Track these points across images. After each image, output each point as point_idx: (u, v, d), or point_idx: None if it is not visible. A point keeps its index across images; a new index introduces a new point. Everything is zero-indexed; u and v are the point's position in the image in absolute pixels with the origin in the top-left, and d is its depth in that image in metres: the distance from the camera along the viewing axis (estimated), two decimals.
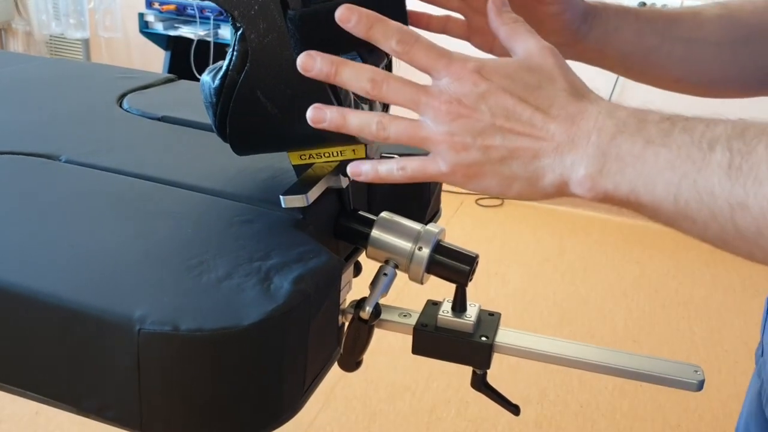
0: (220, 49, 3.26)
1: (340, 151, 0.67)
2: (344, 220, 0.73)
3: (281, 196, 0.66)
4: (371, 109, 0.70)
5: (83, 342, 0.54)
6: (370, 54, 0.63)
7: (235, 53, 0.63)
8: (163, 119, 0.95)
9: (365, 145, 0.66)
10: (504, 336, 0.69)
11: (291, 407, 0.59)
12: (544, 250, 2.94)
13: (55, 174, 0.76)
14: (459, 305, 0.70)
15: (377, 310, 0.70)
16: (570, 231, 3.10)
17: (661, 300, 2.64)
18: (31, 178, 0.75)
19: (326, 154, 0.67)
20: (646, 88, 0.80)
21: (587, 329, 2.43)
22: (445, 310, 0.71)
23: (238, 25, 0.59)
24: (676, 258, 2.90)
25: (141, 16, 3.39)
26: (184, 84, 1.14)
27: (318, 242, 0.66)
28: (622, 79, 2.96)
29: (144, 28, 3.41)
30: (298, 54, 0.56)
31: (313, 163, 0.68)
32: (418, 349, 0.71)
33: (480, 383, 0.72)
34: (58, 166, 0.78)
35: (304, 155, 0.68)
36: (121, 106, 1.00)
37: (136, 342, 0.52)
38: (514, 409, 0.75)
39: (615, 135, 0.48)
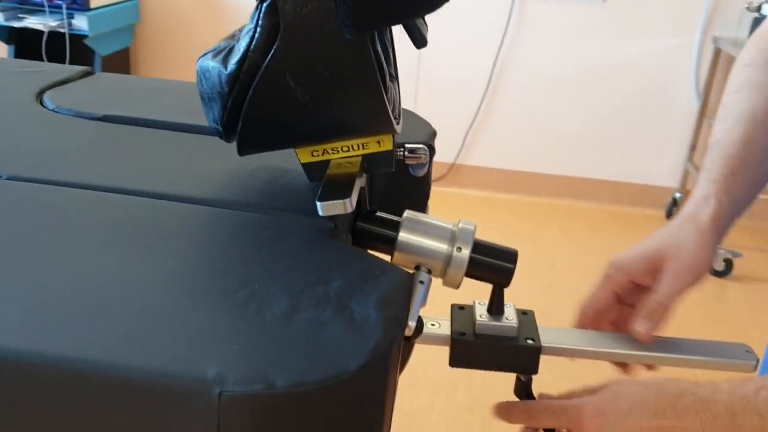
0: (77, 41, 2.96)
1: (363, 144, 0.57)
2: (364, 222, 0.63)
3: (318, 203, 0.54)
4: (396, 85, 0.61)
5: (131, 419, 0.41)
6: (415, 24, 0.54)
7: (259, 30, 0.51)
8: (105, 119, 0.79)
9: (392, 135, 0.57)
10: (547, 336, 0.62)
11: None
12: None
13: (4, 196, 0.60)
14: (496, 307, 0.62)
15: (420, 324, 0.60)
16: (461, 212, 3.11)
17: (559, 271, 2.70)
18: None
19: (344, 149, 0.57)
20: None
21: None
22: (481, 314, 0.63)
23: None
24: (565, 230, 2.98)
25: None
26: (106, 77, 0.97)
27: (365, 252, 0.56)
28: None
29: None
30: (347, 24, 0.46)
31: (327, 160, 0.58)
32: (458, 360, 0.62)
33: (524, 390, 0.65)
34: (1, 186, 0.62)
35: (317, 151, 0.57)
36: (43, 105, 0.83)
37: (215, 409, 0.40)
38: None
39: (735, 417, 0.56)
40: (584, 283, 2.55)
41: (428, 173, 0.86)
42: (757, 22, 2.68)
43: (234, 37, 0.60)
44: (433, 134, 0.87)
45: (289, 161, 0.68)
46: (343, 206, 0.54)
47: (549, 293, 2.51)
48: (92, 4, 2.97)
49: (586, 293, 0.74)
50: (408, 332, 0.57)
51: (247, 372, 0.40)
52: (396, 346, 0.46)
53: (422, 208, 0.82)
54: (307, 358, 0.42)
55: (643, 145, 3.13)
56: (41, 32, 2.97)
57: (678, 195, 3.06)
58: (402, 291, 0.51)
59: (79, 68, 0.97)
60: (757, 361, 0.67)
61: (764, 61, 0.76)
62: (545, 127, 3.16)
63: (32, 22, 3.03)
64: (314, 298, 0.48)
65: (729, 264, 2.67)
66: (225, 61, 0.54)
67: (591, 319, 0.71)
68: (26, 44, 3.17)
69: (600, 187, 3.19)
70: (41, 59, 2.98)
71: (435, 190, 3.29)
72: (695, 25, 2.94)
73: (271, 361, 0.42)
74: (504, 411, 0.65)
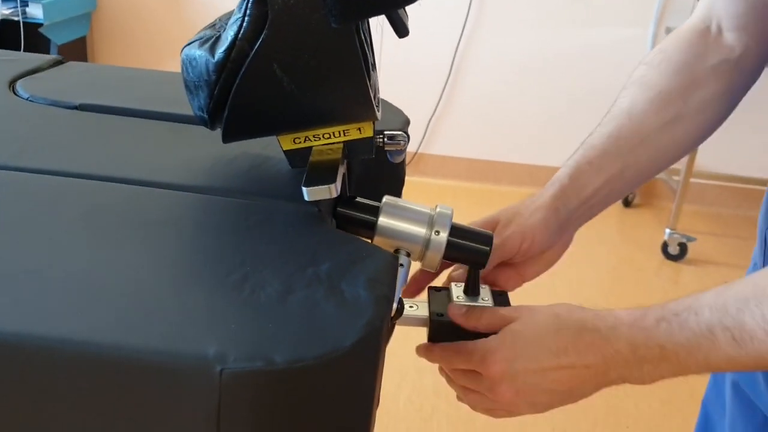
0: (32, 30, 2.90)
1: (344, 131, 0.59)
2: (345, 207, 0.64)
3: (304, 188, 0.56)
4: (375, 74, 0.63)
5: (135, 397, 0.42)
6: (398, 14, 0.56)
7: (247, 19, 0.52)
8: (82, 107, 0.79)
9: (373, 122, 0.59)
10: None
11: (374, 425, 0.51)
12: None
13: None
14: (472, 288, 0.65)
15: (401, 305, 0.62)
16: (425, 200, 3.14)
17: None
18: None
19: (326, 135, 0.59)
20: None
21: None
22: (458, 295, 0.65)
23: None
24: None
25: None
26: (78, 66, 0.97)
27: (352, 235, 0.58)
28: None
29: None
30: (334, 14, 0.47)
31: (309, 147, 0.59)
32: (436, 340, 0.66)
33: None
34: None
35: (299, 138, 0.59)
36: (16, 94, 0.83)
37: (217, 386, 0.41)
38: None
39: (636, 350, 0.58)
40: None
41: (403, 160, 0.88)
42: None
43: (215, 26, 0.61)
44: (407, 122, 0.89)
45: (269, 148, 0.70)
46: (328, 191, 0.56)
47: None
48: None
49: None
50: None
51: (246, 350, 0.42)
52: (386, 323, 0.48)
53: (398, 193, 0.84)
54: (303, 336, 0.44)
55: None
56: None
57: None
58: (388, 272, 0.53)
59: (49, 57, 0.96)
60: None
61: (659, 60, 0.78)
62: (506, 116, 3.21)
63: None
64: (306, 280, 0.50)
65: (683, 248, 2.75)
66: (212, 50, 0.55)
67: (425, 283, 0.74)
68: None
69: None
70: None
71: None
72: (650, 16, 3.01)
73: (269, 339, 0.43)
74: (425, 351, 0.67)
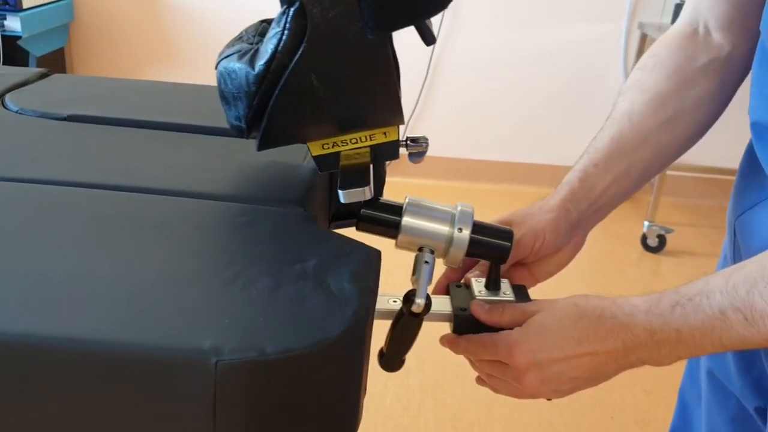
0: (11, 42, 2.91)
1: (370, 136, 0.61)
2: (369, 208, 0.66)
3: (340, 191, 0.59)
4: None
5: (135, 392, 0.45)
6: (425, 23, 0.59)
7: (286, 32, 0.54)
8: (71, 118, 0.81)
9: (398, 126, 0.61)
10: None
11: (361, 413, 0.54)
12: None
13: None
14: (493, 283, 0.68)
15: (429, 301, 0.63)
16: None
17: None
18: None
19: (353, 141, 0.61)
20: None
21: None
22: (480, 290, 0.68)
23: None
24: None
25: None
26: (64, 78, 0.99)
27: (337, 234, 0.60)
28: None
29: None
30: (371, 26, 0.51)
31: (336, 152, 0.62)
32: (460, 335, 0.67)
33: None
34: None
35: (327, 144, 0.61)
36: (5, 107, 0.85)
37: (212, 378, 0.44)
38: None
39: (653, 334, 0.60)
40: None
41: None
42: (678, 9, 2.81)
43: (242, 38, 0.64)
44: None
45: (254, 154, 0.72)
46: (363, 193, 0.59)
47: None
48: (24, 5, 2.91)
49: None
50: (417, 309, 0.62)
51: (239, 342, 0.45)
52: (370, 314, 0.51)
53: (380, 186, 0.87)
54: (293, 327, 0.47)
55: (577, 128, 3.25)
56: None
57: None
58: (372, 266, 0.56)
59: (36, 70, 0.99)
60: None
61: (653, 65, 0.82)
62: (484, 114, 3.25)
63: None
64: (294, 275, 0.53)
65: (662, 240, 2.80)
66: (252, 62, 0.57)
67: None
68: None
69: (538, 171, 3.30)
70: None
71: None
72: (622, 13, 3.06)
73: (260, 331, 0.46)
74: (450, 342, 0.69)
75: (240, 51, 0.59)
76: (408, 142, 0.67)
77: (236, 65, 0.58)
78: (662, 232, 2.80)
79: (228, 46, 0.63)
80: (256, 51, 0.57)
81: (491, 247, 0.66)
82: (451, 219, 0.65)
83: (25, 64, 3.02)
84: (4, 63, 2.96)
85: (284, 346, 0.45)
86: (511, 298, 0.67)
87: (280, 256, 0.55)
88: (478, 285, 0.68)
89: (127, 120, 0.80)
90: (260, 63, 0.56)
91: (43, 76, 0.97)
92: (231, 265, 0.53)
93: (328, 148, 0.61)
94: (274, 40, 0.54)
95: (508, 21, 3.12)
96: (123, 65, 3.32)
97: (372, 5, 0.52)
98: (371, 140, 0.61)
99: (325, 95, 0.56)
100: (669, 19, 2.96)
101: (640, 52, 3.02)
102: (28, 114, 0.82)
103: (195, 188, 0.65)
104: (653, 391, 2.08)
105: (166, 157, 0.72)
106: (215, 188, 0.66)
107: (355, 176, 0.59)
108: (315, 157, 0.62)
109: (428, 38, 0.58)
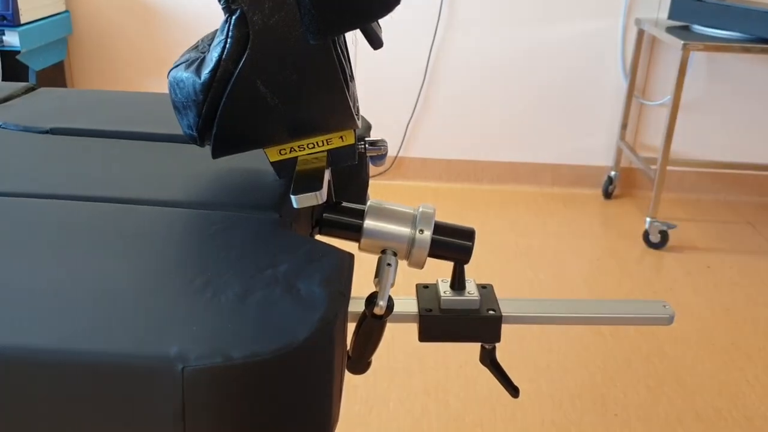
0: (10, 57, 2.93)
1: (327, 140, 0.62)
2: (331, 212, 0.67)
3: (292, 196, 0.59)
4: (354, 84, 0.66)
5: (108, 399, 0.45)
6: (371, 27, 0.59)
7: (229, 40, 0.55)
8: (52, 131, 0.82)
9: (354, 130, 0.62)
10: (507, 306, 0.68)
11: (337, 415, 0.54)
12: None
13: None
14: (458, 283, 0.68)
15: (391, 303, 0.64)
16: (407, 203, 3.17)
17: (505, 254, 2.78)
18: None
19: (310, 145, 0.62)
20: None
21: None
22: (445, 291, 0.68)
23: (234, 6, 0.52)
24: (508, 215, 3.07)
25: None
26: (49, 92, 1.00)
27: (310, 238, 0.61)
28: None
29: None
30: (312, 31, 0.51)
31: (294, 158, 0.62)
32: (426, 335, 0.68)
33: (489, 358, 0.71)
34: None
35: (284, 150, 0.62)
36: None
37: (180, 384, 0.44)
38: (514, 392, 0.74)
39: None
40: (529, 264, 2.65)
41: (366, 162, 0.91)
42: (674, 4, 2.80)
43: (198, 47, 0.64)
44: (369, 127, 0.93)
45: (231, 161, 0.73)
46: (316, 198, 0.59)
47: (498, 276, 2.60)
48: (22, 20, 2.94)
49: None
50: (379, 311, 0.62)
51: (206, 348, 0.45)
52: (341, 317, 0.52)
53: (363, 191, 0.87)
54: (260, 333, 0.47)
55: (577, 126, 3.25)
56: None
57: (613, 173, 3.18)
58: (343, 270, 0.56)
59: (21, 84, 0.99)
60: (672, 315, 0.74)
61: None
62: (483, 115, 3.25)
63: None
64: (264, 281, 0.53)
65: (665, 236, 2.79)
66: (198, 71, 0.58)
67: None
68: None
69: (539, 171, 3.30)
70: None
71: (380, 183, 3.34)
72: (618, 8, 3.06)
73: (227, 337, 0.46)
74: None
75: (188, 60, 0.59)
76: (366, 145, 0.67)
77: (183, 74, 0.58)
78: (664, 228, 2.79)
79: (182, 55, 0.63)
80: (203, 59, 0.57)
81: (454, 247, 0.66)
82: (412, 220, 0.65)
83: (25, 78, 3.05)
84: (4, 78, 2.98)
85: (250, 352, 0.45)
86: (476, 298, 0.67)
87: (252, 262, 0.56)
88: (443, 285, 0.69)
89: (108, 131, 0.81)
90: (206, 71, 0.56)
91: (29, 90, 0.98)
92: (202, 273, 0.54)
93: (285, 153, 0.62)
94: (219, 48, 0.55)
95: (505, 18, 3.12)
96: (122, 77, 3.34)
97: (311, 11, 0.52)
98: (328, 144, 0.62)
99: (272, 101, 0.56)
100: (665, 14, 2.96)
101: (638, 47, 3.02)
102: (11, 128, 0.83)
103: (171, 197, 0.66)
104: (656, 387, 2.07)
105: (143, 167, 0.73)
106: (191, 196, 0.67)
107: (308, 181, 0.60)
108: (273, 163, 0.62)
109: (375, 42, 0.58)
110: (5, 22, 2.92)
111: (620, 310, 0.73)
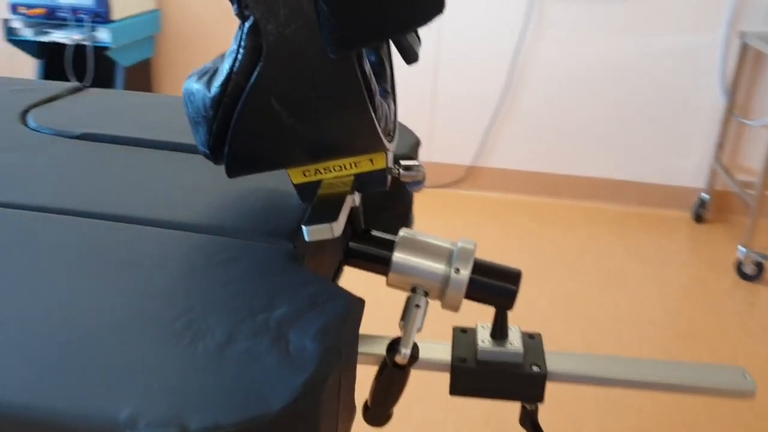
0: (99, 53, 3.00)
1: (355, 163, 0.55)
2: (358, 242, 0.60)
3: (304, 227, 0.52)
4: (391, 101, 0.59)
5: None
6: (405, 39, 0.52)
7: (241, 51, 0.49)
8: (82, 137, 0.78)
9: (385, 153, 0.54)
10: (555, 361, 0.59)
11: None
12: (455, 235, 2.89)
13: None
14: (500, 331, 0.59)
15: (415, 351, 0.57)
16: (480, 215, 3.07)
17: (582, 277, 2.64)
18: None
19: (337, 168, 0.55)
20: None
21: (514, 314, 2.39)
22: (483, 339, 0.60)
23: (247, 13, 0.46)
24: (589, 233, 2.92)
25: (5, 22, 3.07)
26: (94, 93, 0.97)
27: (322, 276, 0.54)
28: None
29: (10, 35, 3.10)
30: (331, 44, 0.44)
31: (319, 180, 0.56)
32: (459, 389, 0.59)
33: (530, 420, 0.62)
34: None
35: (309, 171, 0.55)
36: (26, 124, 0.83)
37: None
38: None
39: None
40: (607, 289, 2.50)
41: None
42: None
43: (224, 55, 0.59)
44: (417, 144, 0.85)
45: (255, 179, 0.67)
46: (330, 231, 0.52)
47: (572, 300, 2.46)
48: (114, 17, 3.01)
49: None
50: (401, 360, 0.55)
51: (161, 413, 0.39)
52: (333, 377, 0.44)
53: (405, 223, 0.80)
54: (228, 398, 0.40)
55: (667, 144, 3.06)
56: (66, 46, 3.00)
57: (705, 196, 2.98)
58: (348, 320, 0.49)
59: (69, 85, 0.97)
60: (755, 388, 0.63)
61: None
62: (566, 127, 3.11)
63: (58, 36, 3.07)
64: (253, 328, 0.46)
65: (760, 267, 2.59)
66: (209, 84, 0.53)
67: None
68: (54, 58, 3.22)
69: (624, 188, 3.13)
70: (64, 72, 3.02)
71: (452, 193, 3.25)
72: (720, 20, 2.87)
73: (190, 399, 0.40)
74: None
75: (203, 70, 0.53)
76: (401, 170, 0.60)
77: (194, 86, 0.53)
78: (760, 260, 2.59)
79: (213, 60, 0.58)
80: (216, 71, 0.51)
81: (494, 290, 0.58)
82: (448, 256, 0.57)
83: (113, 74, 3.12)
84: (95, 73, 3.06)
85: (210, 422, 0.38)
86: (519, 351, 0.59)
87: (245, 303, 0.49)
88: (482, 332, 0.60)
89: (141, 140, 0.77)
90: (216, 85, 0.50)
91: (75, 90, 0.96)
92: (187, 313, 0.48)
93: (310, 175, 0.55)
94: (230, 59, 0.49)
95: (593, 30, 2.97)
96: None
97: (330, 20, 0.45)
98: (356, 167, 0.55)
99: (288, 119, 0.49)
100: None
101: (740, 63, 2.81)
102: (44, 132, 0.80)
103: (178, 218, 0.60)
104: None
105: (159, 181, 0.68)
106: (201, 218, 0.61)
107: (325, 210, 0.53)
108: (296, 186, 0.56)
109: (409, 56, 0.50)
110: (98, 18, 2.99)
111: (690, 376, 0.63)
